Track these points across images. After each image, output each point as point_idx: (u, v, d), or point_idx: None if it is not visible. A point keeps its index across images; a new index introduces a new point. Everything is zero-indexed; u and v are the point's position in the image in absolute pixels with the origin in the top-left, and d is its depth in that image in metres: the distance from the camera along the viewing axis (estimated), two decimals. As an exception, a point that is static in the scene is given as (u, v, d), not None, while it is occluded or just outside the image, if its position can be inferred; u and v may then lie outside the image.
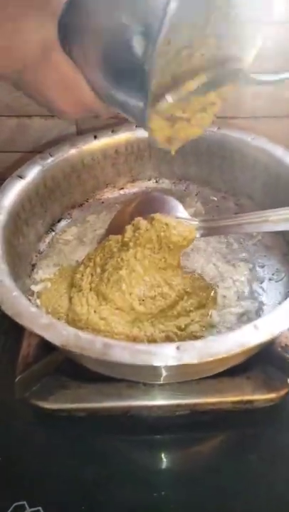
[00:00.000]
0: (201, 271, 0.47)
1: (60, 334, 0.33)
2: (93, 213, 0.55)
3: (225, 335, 0.35)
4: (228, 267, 0.47)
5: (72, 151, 0.51)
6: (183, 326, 0.42)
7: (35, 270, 0.48)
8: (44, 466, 0.40)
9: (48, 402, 0.41)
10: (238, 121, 0.56)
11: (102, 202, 0.56)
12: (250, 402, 0.41)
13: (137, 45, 0.27)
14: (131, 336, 0.41)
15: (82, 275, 0.45)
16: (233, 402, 0.41)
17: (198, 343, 0.33)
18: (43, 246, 0.51)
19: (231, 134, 0.51)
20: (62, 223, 0.54)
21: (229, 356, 0.32)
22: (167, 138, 0.36)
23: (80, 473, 0.39)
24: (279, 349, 0.41)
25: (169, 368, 0.34)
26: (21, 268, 0.45)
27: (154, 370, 0.35)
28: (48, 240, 0.52)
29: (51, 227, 0.53)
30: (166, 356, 0.32)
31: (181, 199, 0.52)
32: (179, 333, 0.41)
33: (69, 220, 0.54)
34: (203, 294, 0.44)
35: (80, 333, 0.34)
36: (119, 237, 0.45)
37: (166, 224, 0.43)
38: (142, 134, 0.53)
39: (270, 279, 0.46)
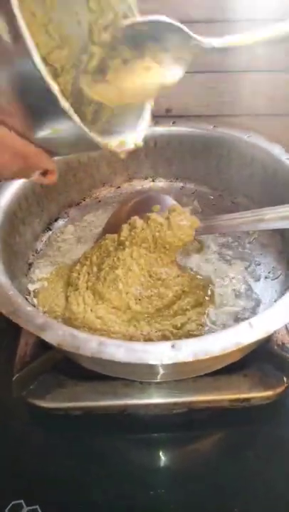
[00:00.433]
0: (197, 269, 0.47)
1: (56, 333, 0.34)
2: (90, 212, 0.55)
3: (220, 333, 0.35)
4: (224, 265, 0.47)
5: None
6: (179, 325, 0.42)
7: (31, 269, 0.48)
8: (41, 465, 0.40)
9: (45, 400, 0.41)
10: (236, 119, 0.56)
11: (99, 201, 0.57)
12: (247, 399, 0.41)
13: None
14: (127, 334, 0.41)
15: (79, 274, 0.45)
16: (230, 400, 0.41)
17: (193, 341, 0.33)
18: (39, 245, 0.51)
19: (228, 132, 0.52)
20: (60, 222, 0.54)
21: (224, 354, 0.32)
22: (120, 142, 0.34)
23: (77, 472, 0.40)
24: (275, 347, 0.41)
25: (164, 366, 0.34)
26: (18, 267, 0.45)
27: (150, 369, 0.35)
28: (44, 238, 0.52)
29: (48, 226, 0.53)
30: (161, 354, 0.32)
31: (178, 198, 0.53)
32: (175, 331, 0.42)
33: (66, 219, 0.54)
34: (200, 292, 0.44)
35: (76, 332, 0.34)
36: (115, 236, 0.46)
37: (161, 224, 0.43)
38: None
39: (266, 277, 0.46)
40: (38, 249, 0.51)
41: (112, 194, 0.57)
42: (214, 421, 0.42)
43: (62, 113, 0.24)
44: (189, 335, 0.41)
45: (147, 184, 0.58)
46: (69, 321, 0.42)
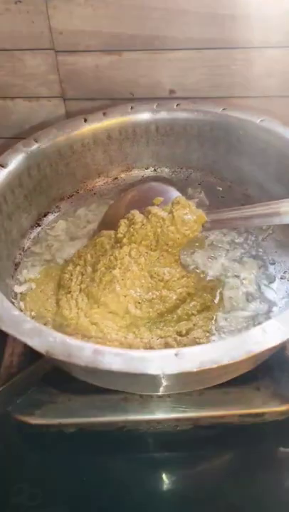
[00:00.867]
0: (204, 268, 0.48)
1: (46, 340, 0.34)
2: (83, 206, 0.56)
3: (229, 339, 0.36)
4: (235, 264, 0.48)
5: (59, 137, 0.52)
6: (184, 332, 0.42)
7: (18, 270, 0.49)
8: (32, 489, 0.41)
9: (34, 417, 0.42)
10: (247, 101, 0.57)
11: (94, 193, 0.58)
12: (260, 415, 0.42)
13: None
14: (125, 342, 0.42)
15: (72, 275, 0.46)
16: (241, 416, 0.42)
17: (199, 349, 0.34)
18: (27, 243, 0.52)
19: (239, 116, 0.52)
20: (50, 217, 0.55)
21: (234, 364, 0.33)
22: None
23: (71, 495, 0.40)
24: (292, 356, 0.42)
25: (167, 377, 0.35)
26: (3, 267, 0.46)
27: (151, 380, 0.36)
28: (33, 235, 0.53)
29: (37, 222, 0.54)
30: (163, 364, 0.32)
31: (183, 189, 0.54)
32: (179, 339, 0.42)
33: (57, 214, 0.55)
34: (207, 295, 0.45)
35: (68, 339, 0.34)
36: (112, 232, 0.46)
37: (164, 219, 0.44)
38: (137, 117, 0.55)
39: (281, 278, 0.47)
40: (26, 248, 0.51)
41: (108, 186, 0.58)
42: (223, 439, 0.43)
43: None
44: (195, 342, 0.42)
45: (148, 174, 0.59)
46: (60, 328, 0.43)
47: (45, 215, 0.55)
